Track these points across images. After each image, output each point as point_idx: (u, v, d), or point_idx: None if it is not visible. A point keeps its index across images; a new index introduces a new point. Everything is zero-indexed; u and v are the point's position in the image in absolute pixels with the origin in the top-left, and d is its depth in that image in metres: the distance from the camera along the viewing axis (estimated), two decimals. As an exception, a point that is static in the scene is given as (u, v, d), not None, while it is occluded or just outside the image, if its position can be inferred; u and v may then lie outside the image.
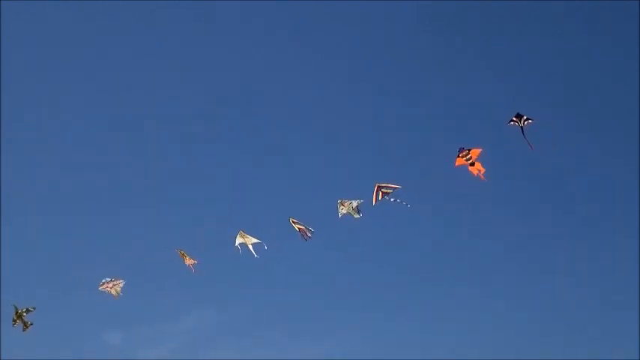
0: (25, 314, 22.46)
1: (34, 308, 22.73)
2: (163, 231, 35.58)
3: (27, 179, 36.64)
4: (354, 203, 22.93)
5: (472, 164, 22.24)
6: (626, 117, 35.96)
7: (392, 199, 22.65)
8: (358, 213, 22.94)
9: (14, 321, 22.42)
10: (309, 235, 23.23)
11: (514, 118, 21.97)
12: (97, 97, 38.48)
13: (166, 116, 38.76)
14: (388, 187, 22.67)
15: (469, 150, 22.23)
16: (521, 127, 21.94)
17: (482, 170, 22.37)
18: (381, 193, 22.71)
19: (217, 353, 33.46)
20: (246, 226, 23.50)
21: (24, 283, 31.95)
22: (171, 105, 39.09)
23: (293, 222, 23.29)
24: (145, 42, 39.69)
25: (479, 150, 22.28)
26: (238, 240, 23.53)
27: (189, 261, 23.53)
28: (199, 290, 34.42)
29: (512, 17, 39.06)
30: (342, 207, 22.93)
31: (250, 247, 23.57)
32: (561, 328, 34.33)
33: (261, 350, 33.76)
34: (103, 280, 23.23)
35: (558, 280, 35.54)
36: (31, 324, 22.64)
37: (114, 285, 23.18)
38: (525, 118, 21.92)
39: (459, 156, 22.27)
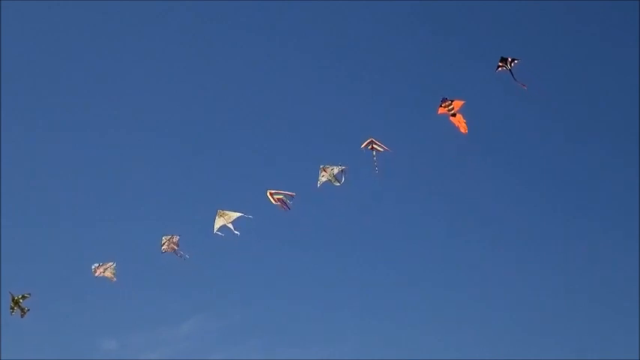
0: (21, 301, 22.47)
1: (30, 294, 22.69)
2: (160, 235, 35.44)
3: (25, 183, 36.60)
4: (336, 169, 22.53)
5: (454, 115, 22.10)
6: (626, 117, 36.03)
7: (375, 158, 22.43)
8: (339, 181, 22.58)
9: (12, 308, 22.44)
10: (289, 203, 22.57)
11: (500, 63, 21.65)
12: (96, 97, 38.57)
13: (165, 117, 38.82)
14: (381, 145, 22.47)
15: (452, 101, 22.07)
16: (510, 69, 21.75)
17: (463, 122, 22.27)
18: (372, 146, 22.52)
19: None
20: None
21: (20, 289, 31.84)
22: (169, 105, 39.14)
23: (270, 194, 22.58)
24: (145, 42, 39.82)
25: (461, 102, 22.10)
26: (218, 222, 22.63)
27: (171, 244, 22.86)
28: (196, 296, 34.51)
29: (513, 17, 39.13)
30: (323, 173, 22.53)
31: (231, 225, 22.69)
32: (561, 329, 34.34)
33: (260, 355, 33.67)
34: (94, 266, 23.10)
35: (558, 279, 35.54)
36: (28, 310, 22.62)
37: (105, 269, 23.03)
38: (511, 59, 21.63)
39: (441, 105, 22.11)
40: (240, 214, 22.74)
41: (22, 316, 22.60)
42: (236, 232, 22.72)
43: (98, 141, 37.85)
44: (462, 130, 22.23)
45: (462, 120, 22.12)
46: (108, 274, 23.12)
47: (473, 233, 36.86)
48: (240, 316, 35.02)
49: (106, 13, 37.97)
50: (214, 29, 39.97)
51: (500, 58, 21.64)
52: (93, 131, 37.97)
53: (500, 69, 21.69)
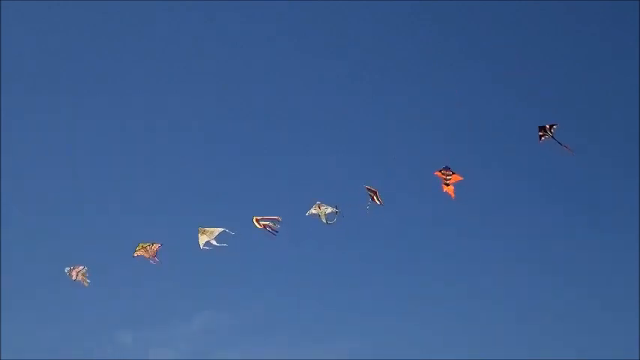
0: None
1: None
2: (170, 231, 35.36)
3: (29, 178, 36.63)
4: (329, 209, 22.30)
5: (447, 184, 22.18)
6: (626, 117, 36.02)
7: (367, 207, 22.32)
8: (329, 220, 22.27)
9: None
10: (277, 227, 22.26)
11: (540, 133, 21.52)
12: (95, 97, 38.62)
13: (164, 117, 38.86)
14: (379, 199, 22.42)
15: (453, 173, 22.13)
16: (552, 136, 21.62)
17: (452, 189, 22.34)
18: (372, 194, 22.43)
19: (229, 354, 33.11)
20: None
21: (30, 282, 31.81)
22: (169, 105, 39.18)
23: (256, 220, 22.33)
24: (145, 42, 39.85)
25: (460, 178, 22.16)
26: (202, 239, 22.25)
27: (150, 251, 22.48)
28: (211, 291, 34.54)
29: (513, 17, 39.14)
30: (316, 208, 22.21)
31: (214, 241, 22.28)
32: (561, 328, 34.32)
33: (273, 352, 33.36)
34: (66, 269, 22.41)
35: (558, 279, 35.52)
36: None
37: (77, 273, 22.37)
38: (549, 126, 21.51)
39: (440, 170, 22.18)
40: (222, 229, 22.37)
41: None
42: (224, 244, 22.41)
43: (97, 141, 37.99)
44: (451, 196, 22.37)
45: (452, 192, 22.28)
46: (80, 277, 22.40)
47: (475, 234, 36.88)
48: (254, 311, 34.88)
49: (106, 13, 38.07)
50: (214, 29, 40.06)
51: (538, 128, 21.48)
52: (92, 131, 38.10)
53: (543, 139, 21.49)
